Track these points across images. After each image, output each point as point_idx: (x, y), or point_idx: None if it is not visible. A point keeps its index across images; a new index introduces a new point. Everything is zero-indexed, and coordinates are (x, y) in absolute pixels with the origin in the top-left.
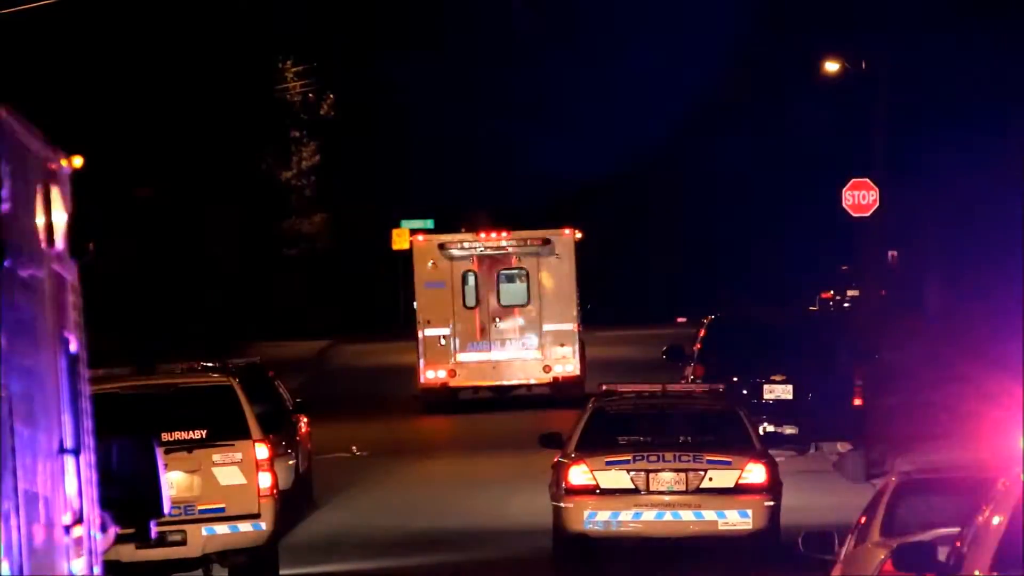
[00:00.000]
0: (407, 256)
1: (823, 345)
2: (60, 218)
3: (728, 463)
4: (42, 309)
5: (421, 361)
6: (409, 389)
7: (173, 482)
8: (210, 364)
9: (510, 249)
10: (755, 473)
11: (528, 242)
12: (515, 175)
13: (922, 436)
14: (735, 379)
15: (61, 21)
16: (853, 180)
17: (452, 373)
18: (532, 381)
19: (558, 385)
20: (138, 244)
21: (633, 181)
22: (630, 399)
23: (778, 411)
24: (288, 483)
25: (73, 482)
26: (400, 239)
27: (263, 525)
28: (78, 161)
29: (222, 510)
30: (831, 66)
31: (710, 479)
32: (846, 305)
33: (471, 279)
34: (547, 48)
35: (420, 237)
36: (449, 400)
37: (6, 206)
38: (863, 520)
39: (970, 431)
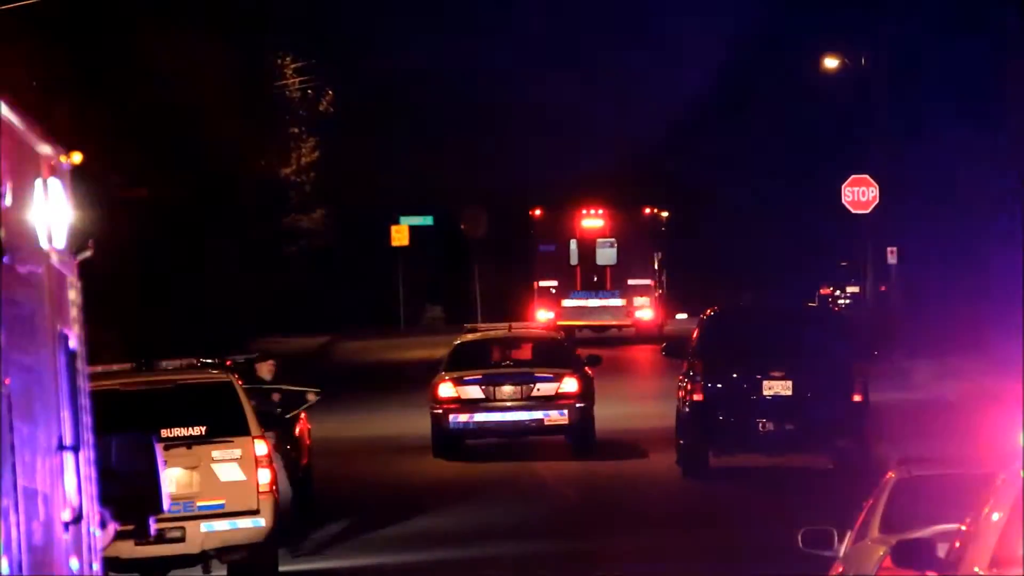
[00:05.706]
0: (529, 227)
1: (822, 341)
2: (59, 214)
3: (551, 378)
4: (41, 305)
5: (536, 304)
6: (412, 385)
7: (172, 479)
8: (209, 361)
9: (604, 222)
10: (568, 384)
11: (617, 217)
12: (515, 172)
13: (922, 432)
14: (734, 375)
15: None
16: (853, 176)
17: (559, 315)
18: (617, 323)
19: (638, 327)
20: (137, 241)
21: (630, 180)
22: (485, 338)
23: (777, 407)
24: (287, 479)
25: (72, 479)
26: (399, 235)
27: (262, 521)
28: (77, 157)
29: (221, 506)
30: (830, 62)
31: (538, 389)
32: (841, 302)
33: (575, 244)
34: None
35: (538, 211)
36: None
37: (5, 202)
38: (862, 516)
39: (970, 427)
